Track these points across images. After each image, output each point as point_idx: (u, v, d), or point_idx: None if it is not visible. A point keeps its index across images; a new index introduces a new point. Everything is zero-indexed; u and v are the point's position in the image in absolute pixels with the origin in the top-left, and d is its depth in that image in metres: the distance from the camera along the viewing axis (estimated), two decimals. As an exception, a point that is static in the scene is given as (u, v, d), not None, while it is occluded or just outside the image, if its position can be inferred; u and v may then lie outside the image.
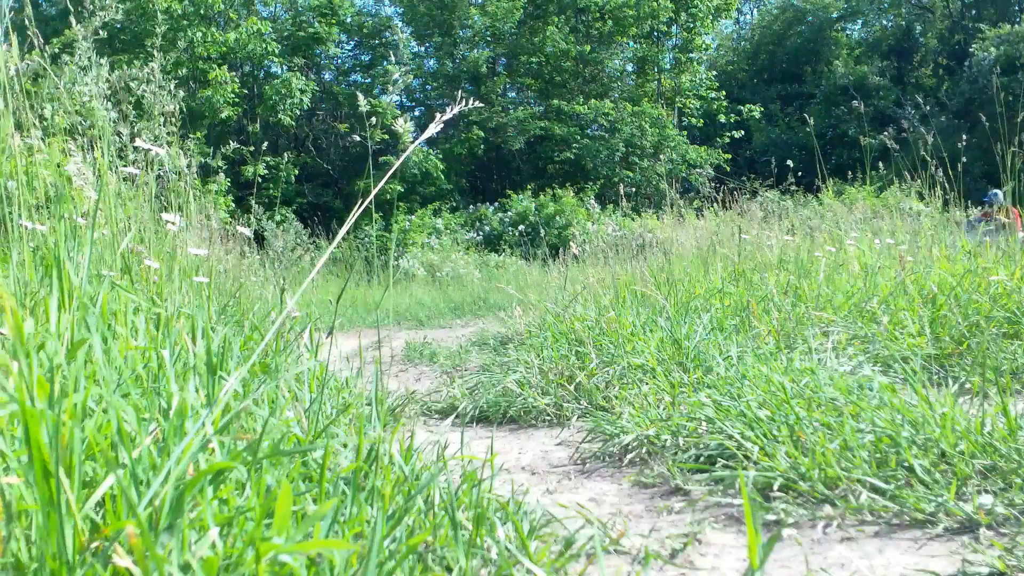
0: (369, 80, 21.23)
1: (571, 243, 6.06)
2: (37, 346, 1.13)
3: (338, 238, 1.08)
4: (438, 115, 1.35)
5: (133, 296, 1.60)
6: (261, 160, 15.97)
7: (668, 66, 22.75)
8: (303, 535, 0.99)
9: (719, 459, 2.06)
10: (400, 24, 21.90)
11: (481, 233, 16.46)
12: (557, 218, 16.30)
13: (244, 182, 15.38)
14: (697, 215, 8.35)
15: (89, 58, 2.49)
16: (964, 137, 5.15)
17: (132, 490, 1.02)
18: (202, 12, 17.50)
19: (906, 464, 1.80)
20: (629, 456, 2.31)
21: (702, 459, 2.09)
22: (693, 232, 6.95)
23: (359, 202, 1.21)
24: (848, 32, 29.67)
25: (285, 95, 17.08)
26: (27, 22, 2.03)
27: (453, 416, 2.98)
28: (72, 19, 2.54)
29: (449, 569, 1.31)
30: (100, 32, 2.56)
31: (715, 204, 7.51)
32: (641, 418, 2.42)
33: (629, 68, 22.82)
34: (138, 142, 1.99)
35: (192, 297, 2.00)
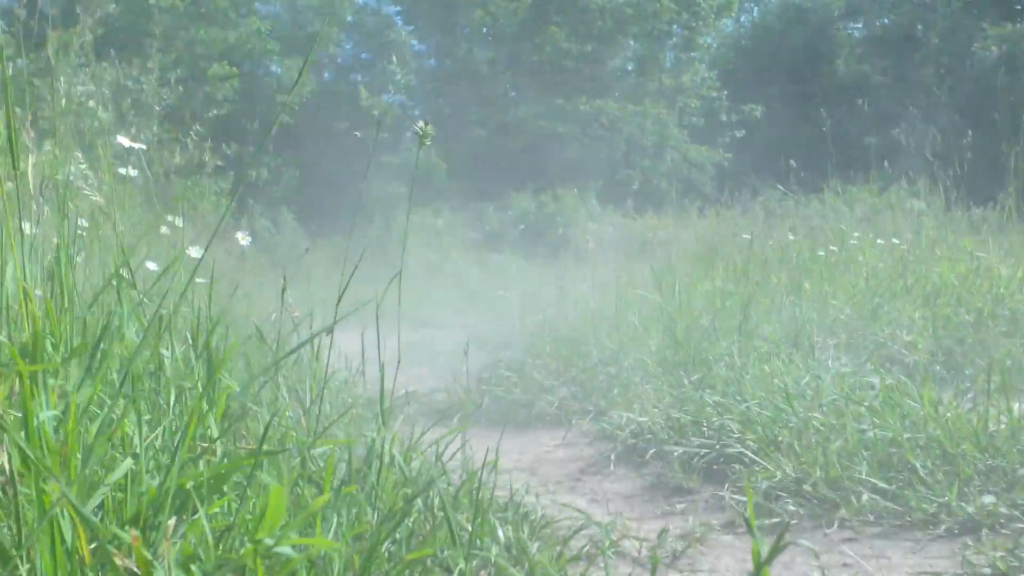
0: (369, 79, 21.21)
1: (589, 239, 6.00)
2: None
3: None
4: None
5: (136, 295, 1.59)
6: (261, 161, 15.95)
7: (669, 65, 22.72)
8: (298, 531, 0.99)
9: (722, 460, 2.06)
10: (399, 22, 21.88)
11: (481, 232, 16.44)
12: (558, 218, 16.28)
13: (244, 182, 15.36)
14: (699, 214, 8.34)
15: (87, 55, 2.48)
16: (970, 134, 5.13)
17: (137, 491, 1.02)
18: (203, 11, 17.50)
19: (908, 465, 1.80)
20: (631, 457, 2.31)
21: (705, 460, 2.09)
22: (695, 231, 6.94)
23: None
24: (849, 31, 29.61)
25: (286, 86, 17.06)
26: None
27: (454, 416, 2.97)
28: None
29: (449, 570, 1.30)
30: (95, 32, 2.54)
31: (717, 204, 7.50)
32: (643, 419, 2.42)
33: (630, 67, 22.80)
34: (120, 139, 1.97)
35: (193, 297, 2.00)
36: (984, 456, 1.79)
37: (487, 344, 4.96)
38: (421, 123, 1.62)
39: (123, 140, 1.85)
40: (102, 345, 1.12)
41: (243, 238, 2.32)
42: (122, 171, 1.93)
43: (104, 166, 1.91)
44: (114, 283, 1.31)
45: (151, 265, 1.99)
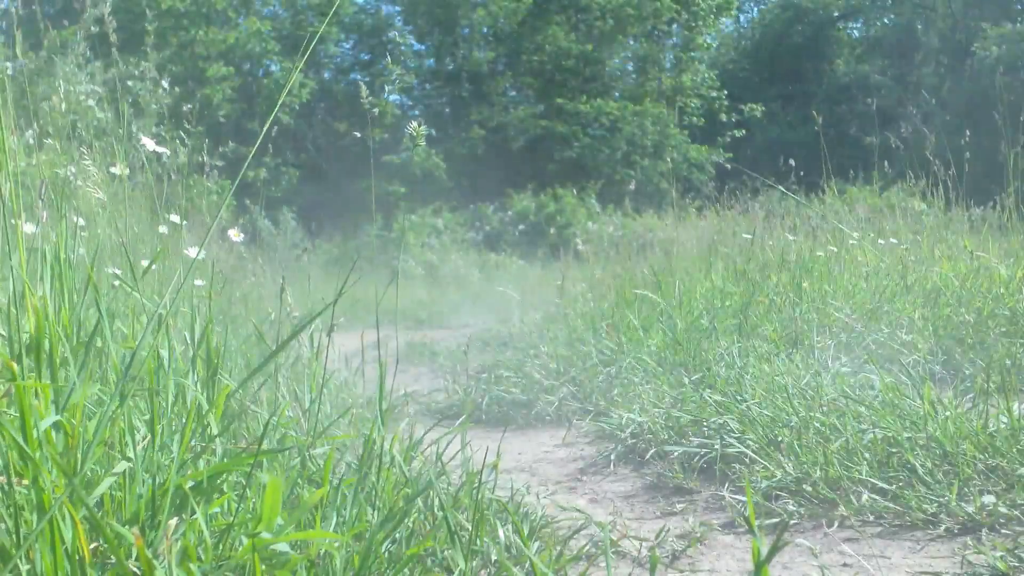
0: (368, 79, 21.21)
1: (578, 240, 6.01)
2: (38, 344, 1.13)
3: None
4: None
5: (137, 294, 1.59)
6: (260, 161, 15.95)
7: (669, 65, 22.73)
8: (295, 526, 0.99)
9: (722, 459, 2.06)
10: (399, 22, 21.88)
11: (481, 233, 16.45)
12: (558, 217, 16.28)
13: (244, 182, 15.36)
14: (699, 214, 8.33)
15: (84, 55, 2.47)
16: (968, 134, 5.12)
17: (136, 490, 1.02)
18: (204, 11, 17.51)
19: (908, 465, 1.80)
20: (630, 457, 2.31)
21: (705, 459, 2.09)
22: (695, 231, 6.94)
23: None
24: (849, 31, 29.60)
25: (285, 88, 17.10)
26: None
27: (453, 416, 2.97)
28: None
29: (449, 570, 1.30)
30: (93, 29, 2.54)
31: (717, 203, 7.49)
32: (642, 419, 2.42)
33: (630, 67, 22.81)
34: (144, 141, 1.97)
35: (192, 297, 2.00)
36: (984, 456, 1.79)
37: (487, 344, 4.96)
38: (414, 124, 1.62)
39: (148, 142, 1.84)
40: (97, 343, 1.12)
41: (236, 234, 2.31)
42: (113, 171, 1.93)
43: (103, 164, 1.90)
44: (114, 283, 1.31)
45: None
